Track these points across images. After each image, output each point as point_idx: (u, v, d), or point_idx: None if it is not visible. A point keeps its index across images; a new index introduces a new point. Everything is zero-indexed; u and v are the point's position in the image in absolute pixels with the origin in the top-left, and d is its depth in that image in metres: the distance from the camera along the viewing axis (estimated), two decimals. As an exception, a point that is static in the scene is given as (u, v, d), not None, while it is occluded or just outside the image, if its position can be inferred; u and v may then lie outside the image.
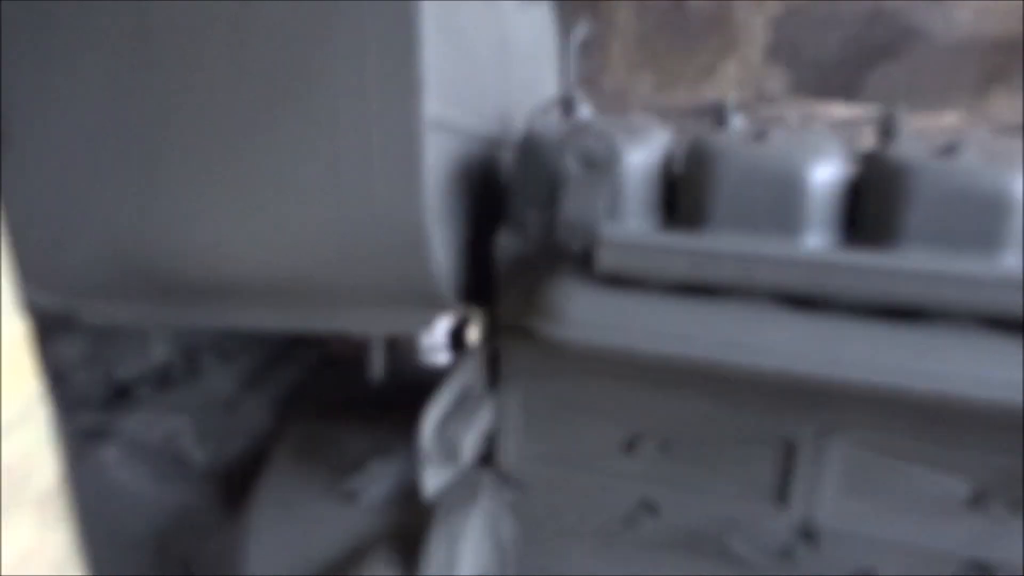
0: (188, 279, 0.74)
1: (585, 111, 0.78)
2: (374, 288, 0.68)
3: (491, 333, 0.76)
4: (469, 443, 0.72)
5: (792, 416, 0.71)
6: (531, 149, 0.69)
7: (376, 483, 0.83)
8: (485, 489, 0.81)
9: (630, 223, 0.68)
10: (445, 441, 0.71)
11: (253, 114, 0.66)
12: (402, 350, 1.04)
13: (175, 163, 0.70)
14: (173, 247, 0.73)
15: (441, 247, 0.67)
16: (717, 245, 0.63)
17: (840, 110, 1.85)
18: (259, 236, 0.69)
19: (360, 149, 0.63)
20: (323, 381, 0.96)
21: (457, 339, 1.01)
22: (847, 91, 1.84)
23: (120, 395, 0.95)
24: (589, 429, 0.77)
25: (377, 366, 0.75)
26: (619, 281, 0.66)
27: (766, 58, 1.91)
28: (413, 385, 0.78)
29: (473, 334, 0.75)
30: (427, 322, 0.71)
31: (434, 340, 1.11)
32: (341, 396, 0.92)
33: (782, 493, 0.74)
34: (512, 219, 0.72)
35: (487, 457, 0.80)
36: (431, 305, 0.69)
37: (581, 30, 0.91)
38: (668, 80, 2.01)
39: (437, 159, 0.65)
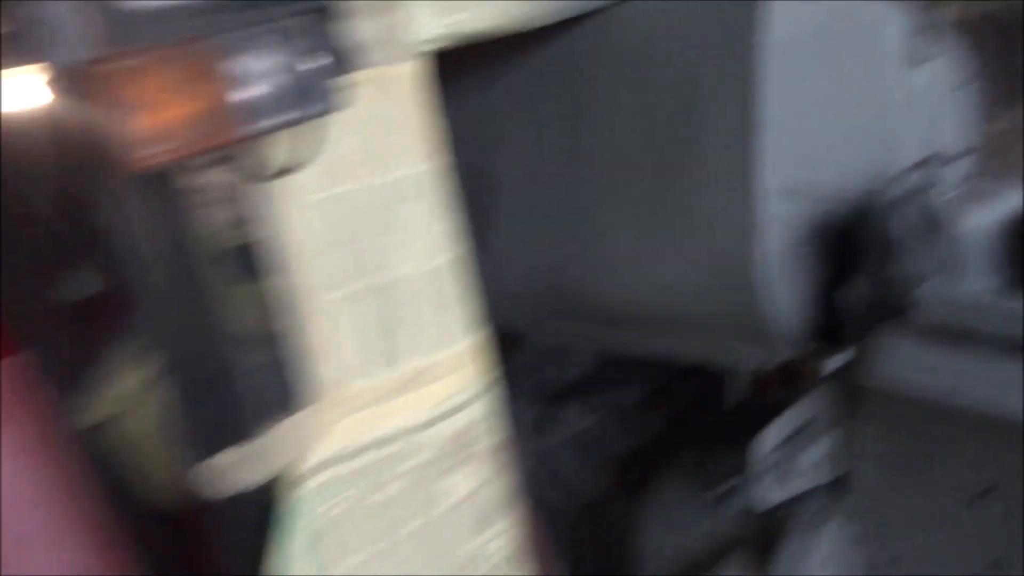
0: (602, 307, 0.97)
1: (955, 169, 0.81)
2: (724, 326, 0.82)
3: (843, 373, 0.84)
4: (805, 467, 0.82)
5: None
6: (874, 205, 0.77)
7: (738, 496, 0.96)
8: (834, 517, 0.88)
9: (970, 281, 0.71)
10: (781, 461, 0.81)
11: (641, 179, 0.86)
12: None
13: (599, 215, 0.93)
14: (594, 281, 0.96)
15: (785, 296, 0.79)
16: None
17: None
18: (648, 272, 0.88)
19: (715, 208, 0.79)
20: (704, 402, 1.12)
21: (789, 373, 1.07)
22: None
23: (557, 396, 1.23)
24: (938, 478, 0.80)
25: (738, 392, 0.89)
26: (953, 337, 0.70)
27: None
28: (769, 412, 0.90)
29: (812, 371, 0.83)
30: (771, 359, 0.82)
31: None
32: (717, 417, 1.06)
33: None
34: (859, 271, 0.79)
35: (838, 487, 0.87)
36: (772, 345, 0.81)
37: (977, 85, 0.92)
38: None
39: (781, 221, 0.77)
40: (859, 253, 0.78)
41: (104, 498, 1.22)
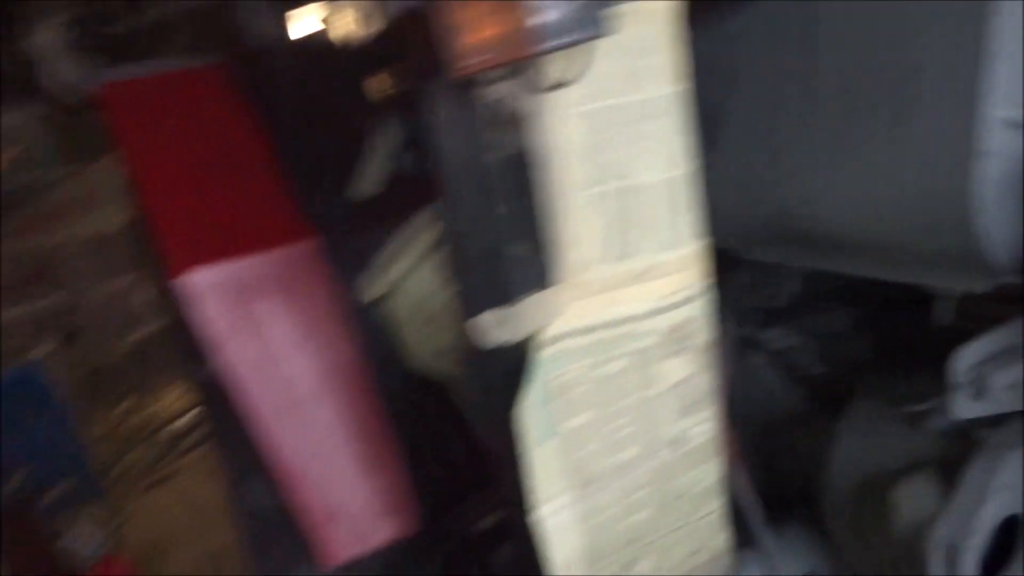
0: (815, 232, 1.06)
1: None
2: (937, 252, 0.89)
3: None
4: (1000, 386, 0.87)
5: None
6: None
7: (937, 414, 1.02)
8: (1027, 443, 0.93)
9: None
10: (977, 376, 0.87)
11: (862, 110, 0.93)
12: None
13: (817, 144, 1.01)
14: (810, 207, 1.04)
15: (1000, 225, 0.84)
16: None
17: None
18: (865, 199, 0.96)
19: (935, 137, 0.85)
20: (910, 327, 1.16)
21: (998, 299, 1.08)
22: None
23: (765, 317, 1.32)
24: None
25: (944, 313, 0.95)
26: None
27: None
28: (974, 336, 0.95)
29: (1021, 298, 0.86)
30: (981, 285, 0.88)
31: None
32: (922, 340, 1.11)
33: None
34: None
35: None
36: (983, 272, 0.86)
37: None
38: None
39: (1002, 152, 0.82)
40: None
41: (373, 363, 1.49)
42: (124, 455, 3.62)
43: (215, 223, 1.47)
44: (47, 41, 3.66)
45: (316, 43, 1.89)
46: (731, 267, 1.24)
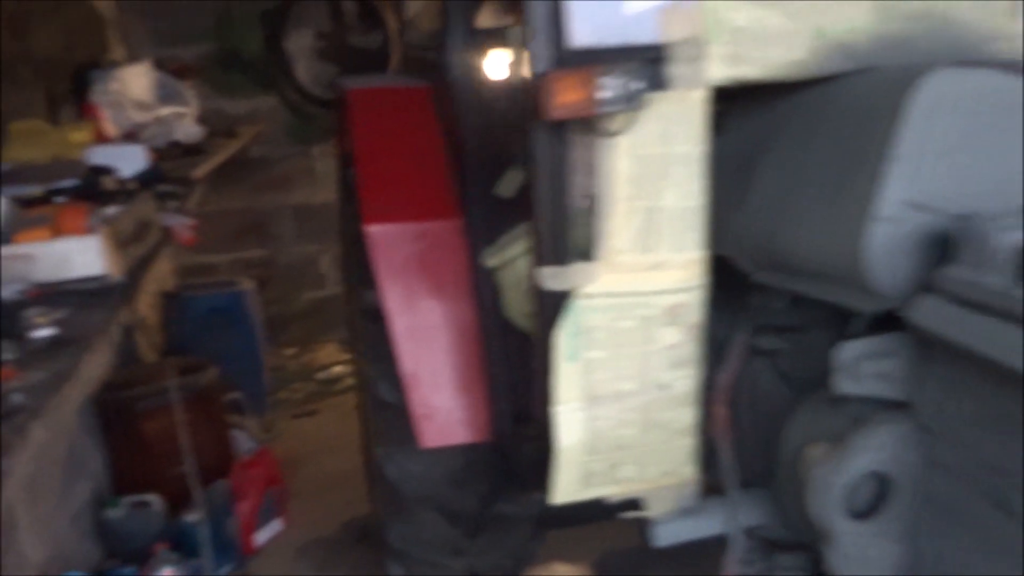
0: (789, 261, 1.50)
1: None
2: (844, 279, 1.33)
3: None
4: (868, 373, 1.30)
5: None
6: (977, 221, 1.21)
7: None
8: (889, 418, 1.33)
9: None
10: (854, 364, 1.30)
11: (826, 184, 1.38)
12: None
13: (801, 203, 1.46)
14: (788, 243, 1.49)
15: (887, 268, 1.28)
16: None
17: None
18: (818, 240, 1.40)
19: (855, 206, 1.30)
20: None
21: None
22: None
23: (768, 327, 1.75)
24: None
25: (856, 328, 1.39)
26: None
27: None
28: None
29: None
30: (873, 307, 1.32)
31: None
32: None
33: None
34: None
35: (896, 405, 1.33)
36: (876, 300, 1.30)
37: None
38: None
39: (895, 221, 1.25)
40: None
41: (482, 312, 2.05)
42: (284, 387, 4.39)
43: (399, 196, 2.10)
44: (301, 46, 4.54)
45: (490, 82, 2.50)
46: (749, 290, 1.70)
